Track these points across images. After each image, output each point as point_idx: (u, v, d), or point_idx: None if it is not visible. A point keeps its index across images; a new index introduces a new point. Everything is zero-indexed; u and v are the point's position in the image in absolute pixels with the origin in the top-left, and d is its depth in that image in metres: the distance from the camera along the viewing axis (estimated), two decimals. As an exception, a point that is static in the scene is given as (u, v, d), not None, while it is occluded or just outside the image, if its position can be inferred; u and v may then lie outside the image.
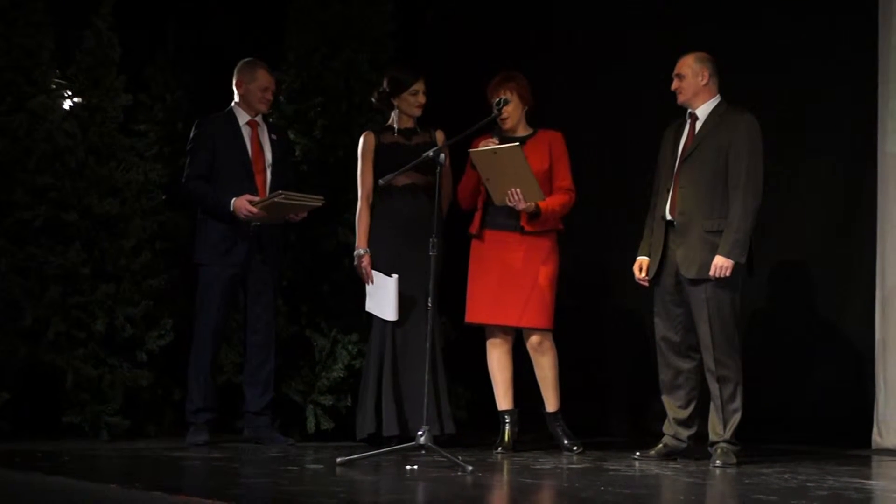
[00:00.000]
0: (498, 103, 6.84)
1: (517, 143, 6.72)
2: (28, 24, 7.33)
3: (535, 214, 6.85)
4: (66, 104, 7.53)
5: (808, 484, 5.55)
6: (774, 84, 7.70)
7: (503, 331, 7.06)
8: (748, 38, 7.81)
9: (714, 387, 6.48)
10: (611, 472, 5.96)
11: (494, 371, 7.11)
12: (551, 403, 7.04)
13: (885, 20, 7.36)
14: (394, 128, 7.18)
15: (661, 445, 6.72)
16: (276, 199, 6.90)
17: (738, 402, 6.46)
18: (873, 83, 7.38)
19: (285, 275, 7.65)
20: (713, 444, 6.49)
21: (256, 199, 7.04)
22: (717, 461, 6.37)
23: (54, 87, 7.48)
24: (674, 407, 6.71)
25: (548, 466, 6.20)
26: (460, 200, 7.19)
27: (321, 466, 5.98)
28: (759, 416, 7.02)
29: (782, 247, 7.67)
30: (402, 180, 6.98)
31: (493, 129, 7.01)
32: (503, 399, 7.10)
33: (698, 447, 6.66)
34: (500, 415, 7.09)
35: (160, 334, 7.34)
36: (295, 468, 5.91)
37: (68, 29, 7.60)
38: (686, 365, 6.65)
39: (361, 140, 7.18)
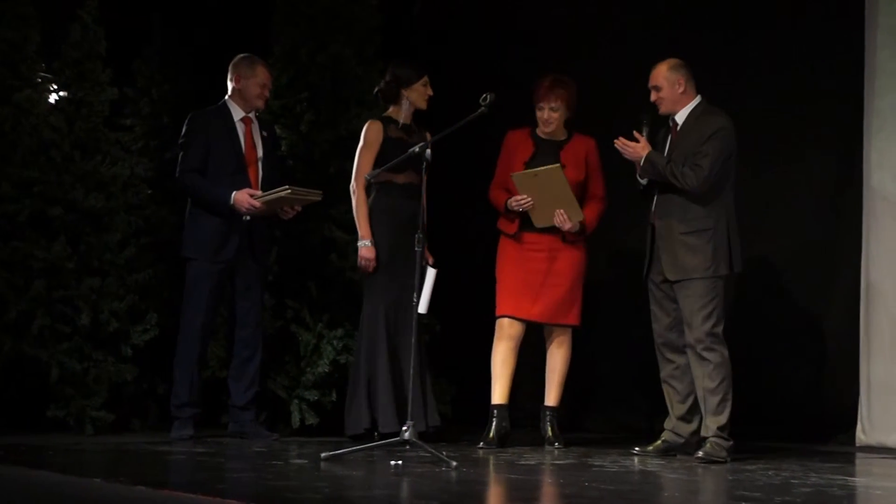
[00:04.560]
0: (484, 98, 6.78)
1: (558, 165, 6.82)
2: (14, 17, 7.32)
3: (580, 231, 7.01)
4: (52, 98, 7.53)
5: (792, 480, 5.57)
6: (761, 85, 7.71)
7: (518, 327, 7.06)
8: (735, 39, 7.82)
9: (700, 383, 6.50)
10: (595, 469, 5.96)
11: (497, 364, 7.08)
12: (552, 398, 7.13)
13: (871, 19, 7.37)
14: (398, 122, 7.17)
15: (659, 441, 6.73)
16: (282, 194, 6.91)
17: (721, 397, 6.46)
18: (859, 82, 7.39)
19: (271, 270, 7.64)
20: (704, 439, 6.50)
21: (259, 192, 7.05)
22: (700, 453, 6.39)
23: (40, 80, 7.47)
24: (673, 401, 6.74)
25: (532, 462, 6.21)
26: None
27: (306, 461, 5.97)
28: (744, 412, 7.04)
29: (767, 245, 7.68)
30: (402, 179, 7.03)
31: (533, 130, 7.12)
32: (499, 394, 7.08)
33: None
34: (490, 408, 7.09)
35: (145, 329, 7.33)
36: (279, 463, 5.90)
37: (54, 22, 7.58)
38: (682, 360, 6.67)
39: (367, 127, 7.15)
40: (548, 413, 7.12)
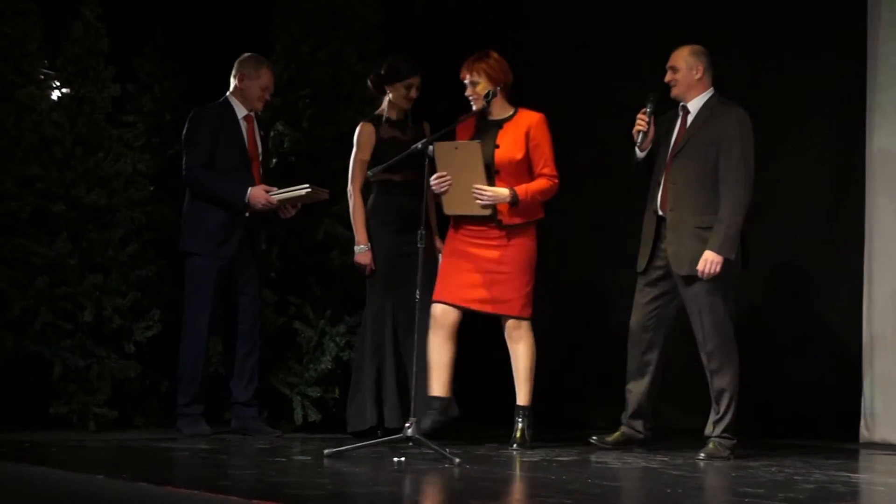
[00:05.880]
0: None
1: (478, 142, 6.59)
2: (16, 13, 7.31)
3: (513, 202, 6.66)
4: (54, 95, 7.53)
5: (795, 477, 5.56)
6: (763, 79, 7.70)
7: (452, 315, 6.77)
8: (735, 33, 7.81)
9: (709, 381, 6.50)
10: (598, 465, 5.97)
11: (433, 354, 6.78)
12: (522, 396, 6.83)
13: (873, 14, 7.36)
14: (389, 119, 7.14)
15: (618, 433, 6.77)
16: (301, 192, 6.93)
17: (729, 397, 6.45)
18: (862, 77, 7.38)
19: (273, 266, 7.65)
20: (707, 437, 6.50)
21: (274, 189, 7.05)
22: (702, 454, 6.39)
23: (42, 77, 7.47)
24: (634, 397, 6.76)
25: (535, 459, 6.20)
26: None
27: (309, 458, 5.97)
28: (748, 409, 7.04)
29: (772, 243, 7.67)
30: (400, 177, 6.99)
31: (472, 109, 6.84)
32: (434, 386, 6.79)
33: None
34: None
35: (148, 325, 7.33)
36: (282, 460, 5.90)
37: (56, 19, 7.57)
38: (650, 357, 6.70)
39: (359, 130, 7.13)
40: (519, 412, 6.83)
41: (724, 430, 6.44)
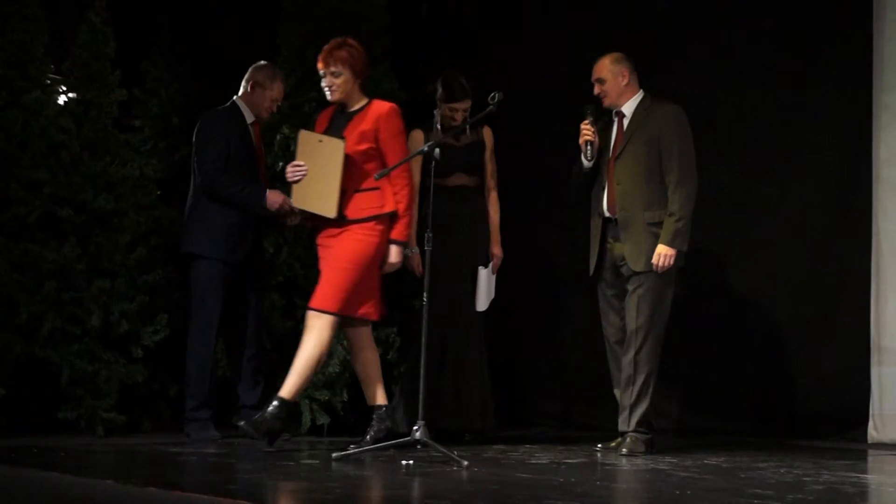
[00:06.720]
0: (493, 97, 6.70)
1: (343, 140, 6.41)
2: (22, 18, 7.31)
3: (406, 244, 6.58)
4: (61, 99, 7.53)
5: (804, 478, 5.56)
6: (769, 80, 7.70)
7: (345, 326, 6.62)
8: (741, 33, 7.81)
9: (631, 375, 6.60)
10: (606, 467, 5.97)
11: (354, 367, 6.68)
12: (285, 389, 6.44)
13: (879, 13, 7.36)
14: (443, 125, 7.16)
15: (620, 438, 6.77)
16: (327, 215, 6.91)
17: (647, 392, 6.58)
18: (868, 77, 7.38)
19: (281, 270, 7.64)
20: (623, 433, 6.61)
21: (291, 199, 7.07)
22: (624, 450, 6.51)
23: (49, 82, 7.47)
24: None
25: (543, 461, 6.20)
26: None
27: (317, 461, 5.98)
28: (755, 410, 7.03)
29: (778, 242, 7.67)
30: (454, 181, 7.11)
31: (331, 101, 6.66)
32: (375, 396, 6.65)
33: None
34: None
35: (155, 330, 7.33)
36: (291, 463, 5.90)
37: (63, 24, 7.58)
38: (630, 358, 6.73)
39: (410, 137, 7.05)
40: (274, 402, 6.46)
41: (639, 424, 6.51)
